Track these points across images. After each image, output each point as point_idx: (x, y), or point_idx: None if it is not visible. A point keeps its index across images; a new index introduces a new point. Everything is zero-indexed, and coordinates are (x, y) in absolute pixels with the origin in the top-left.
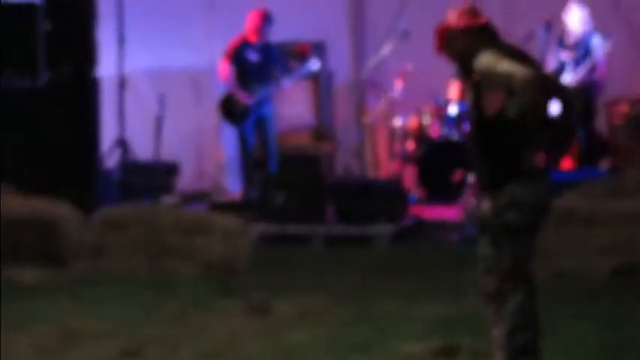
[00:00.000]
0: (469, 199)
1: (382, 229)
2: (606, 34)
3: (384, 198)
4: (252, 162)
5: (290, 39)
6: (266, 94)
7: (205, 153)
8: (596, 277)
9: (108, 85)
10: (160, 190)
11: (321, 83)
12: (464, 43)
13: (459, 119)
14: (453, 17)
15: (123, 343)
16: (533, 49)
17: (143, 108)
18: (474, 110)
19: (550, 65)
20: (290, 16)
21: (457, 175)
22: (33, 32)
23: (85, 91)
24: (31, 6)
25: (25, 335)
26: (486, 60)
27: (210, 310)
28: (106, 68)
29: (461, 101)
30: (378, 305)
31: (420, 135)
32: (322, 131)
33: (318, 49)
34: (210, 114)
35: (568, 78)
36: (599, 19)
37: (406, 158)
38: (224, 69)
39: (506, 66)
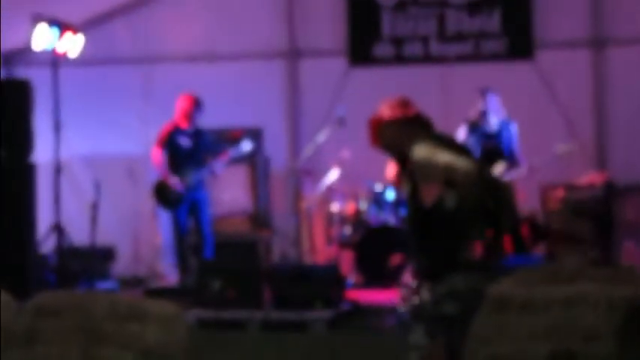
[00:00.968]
0: (407, 285)
1: (319, 315)
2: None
3: (321, 283)
4: (186, 247)
5: (226, 125)
6: (199, 180)
7: (141, 238)
8: None
9: (44, 171)
10: (96, 275)
11: (257, 169)
12: (395, 134)
13: (395, 204)
14: (384, 109)
15: None
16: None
17: (79, 193)
18: (411, 200)
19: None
20: (226, 102)
21: (394, 260)
22: None
23: (21, 176)
24: None
25: None
26: (423, 152)
27: None
28: (42, 154)
29: (397, 186)
30: None
31: (357, 220)
32: (259, 217)
33: (255, 135)
34: (145, 199)
35: (499, 168)
36: (535, 109)
37: (343, 243)
38: (156, 155)
39: (445, 158)
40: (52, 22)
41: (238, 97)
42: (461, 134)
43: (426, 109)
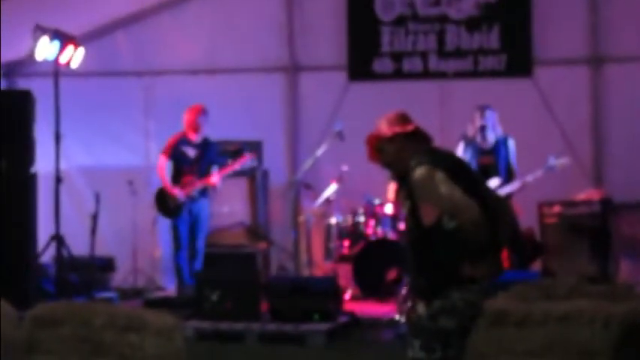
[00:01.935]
0: (404, 299)
1: (317, 327)
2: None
3: (318, 296)
4: (185, 257)
5: (226, 138)
6: (200, 190)
7: (140, 249)
8: None
9: (44, 182)
10: (95, 286)
11: (256, 182)
12: (394, 150)
13: (394, 218)
14: (382, 125)
15: None
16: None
17: (79, 204)
18: (411, 217)
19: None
20: (227, 115)
21: (392, 274)
22: None
23: (22, 186)
24: None
25: None
26: (423, 177)
27: None
28: (42, 165)
29: (397, 204)
30: None
31: (355, 234)
32: (257, 230)
33: (255, 148)
34: (145, 211)
35: (494, 183)
36: (533, 125)
37: (341, 257)
38: (160, 164)
39: (446, 192)
40: (54, 34)
41: (238, 111)
42: (458, 150)
43: (424, 124)
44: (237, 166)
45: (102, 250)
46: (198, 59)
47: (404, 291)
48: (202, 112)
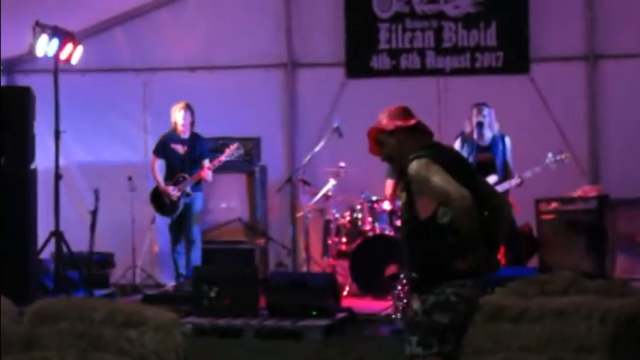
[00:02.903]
0: (400, 295)
1: (314, 323)
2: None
3: (316, 292)
4: (181, 252)
5: (224, 134)
6: (192, 184)
7: (139, 246)
8: None
9: (43, 178)
10: (95, 281)
11: (254, 178)
12: (394, 143)
13: (391, 214)
14: (384, 118)
15: None
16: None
17: (78, 200)
18: (407, 211)
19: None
20: (225, 111)
21: (390, 270)
22: None
23: (22, 183)
24: None
25: None
26: (419, 168)
27: None
28: (41, 161)
29: (393, 199)
30: None
31: (353, 230)
32: (256, 226)
33: (253, 144)
34: (144, 207)
35: (491, 180)
36: (530, 122)
37: (339, 253)
38: (152, 163)
39: (440, 182)
40: (53, 31)
41: (237, 107)
42: (455, 147)
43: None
44: (223, 157)
45: (101, 246)
46: (197, 55)
47: (399, 288)
48: (188, 108)
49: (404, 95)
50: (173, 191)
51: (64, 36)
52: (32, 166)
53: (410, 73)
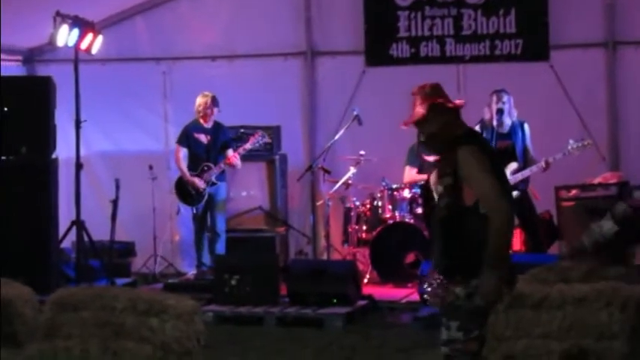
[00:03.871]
0: (434, 281)
1: (335, 311)
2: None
3: (337, 280)
4: (205, 242)
5: (244, 123)
6: (216, 174)
7: (160, 234)
8: None
9: (64, 167)
10: (116, 270)
11: (275, 166)
12: (443, 122)
13: (411, 202)
14: (436, 90)
15: None
16: None
17: (99, 190)
18: (450, 196)
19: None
20: (245, 100)
21: (410, 257)
22: None
23: (43, 172)
24: None
25: None
26: (470, 155)
27: None
28: (62, 150)
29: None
30: None
31: (373, 218)
32: (276, 214)
33: (273, 133)
34: (165, 196)
35: (512, 167)
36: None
37: (359, 240)
38: (176, 153)
39: (483, 179)
40: (74, 21)
41: (257, 95)
42: None
43: None
44: (248, 145)
45: (122, 235)
46: (217, 45)
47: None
48: (213, 100)
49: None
50: (199, 182)
51: (84, 26)
52: (53, 156)
53: (429, 60)
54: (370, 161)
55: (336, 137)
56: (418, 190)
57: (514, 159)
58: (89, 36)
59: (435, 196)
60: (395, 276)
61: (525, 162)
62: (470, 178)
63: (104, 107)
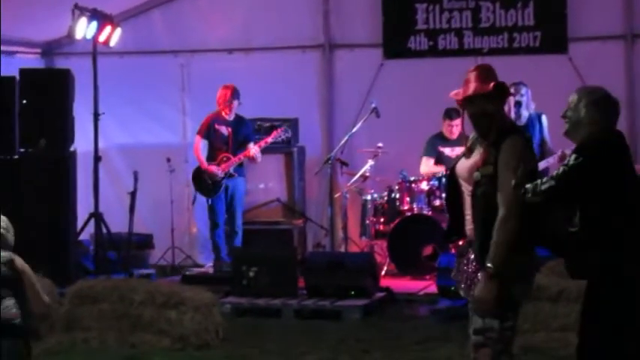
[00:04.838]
0: (465, 270)
1: (353, 303)
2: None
3: (355, 272)
4: (222, 234)
5: (262, 115)
6: (235, 165)
7: (178, 227)
8: (565, 353)
9: (83, 160)
10: (134, 263)
11: (292, 158)
12: (493, 109)
13: (429, 194)
14: (487, 76)
15: None
16: None
17: (117, 182)
18: (489, 185)
19: None
20: (263, 93)
21: (427, 249)
22: (9, 106)
23: (62, 165)
24: (9, 80)
25: None
26: (517, 146)
27: None
28: (81, 143)
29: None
30: None
31: (391, 210)
32: (294, 206)
33: (291, 125)
34: (182, 188)
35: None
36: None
37: (377, 233)
38: (196, 143)
39: (514, 175)
40: (92, 13)
41: (274, 88)
42: None
43: None
44: (270, 139)
45: (140, 227)
46: (234, 37)
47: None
48: (234, 92)
49: (441, 76)
50: (216, 169)
51: (102, 18)
52: (72, 148)
53: (447, 53)
54: (388, 154)
55: (354, 130)
56: (436, 183)
57: None
58: (107, 29)
59: (462, 183)
60: (412, 268)
61: (542, 154)
62: (503, 167)
63: (122, 100)
